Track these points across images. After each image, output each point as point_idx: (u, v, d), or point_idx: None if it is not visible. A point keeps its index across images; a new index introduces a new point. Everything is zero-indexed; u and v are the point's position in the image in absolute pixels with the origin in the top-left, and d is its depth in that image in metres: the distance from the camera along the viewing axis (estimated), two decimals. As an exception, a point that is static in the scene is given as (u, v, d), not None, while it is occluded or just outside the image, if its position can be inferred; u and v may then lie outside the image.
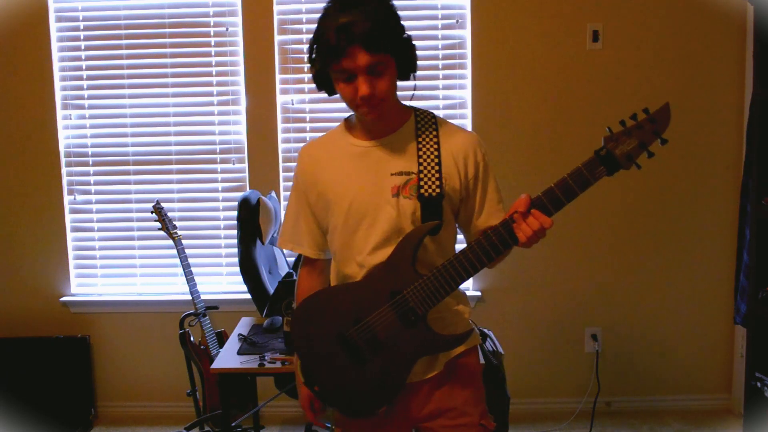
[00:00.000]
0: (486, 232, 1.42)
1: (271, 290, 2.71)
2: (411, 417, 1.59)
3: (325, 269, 1.68)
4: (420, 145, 1.52)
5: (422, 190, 1.48)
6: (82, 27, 3.27)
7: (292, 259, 3.12)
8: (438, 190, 1.49)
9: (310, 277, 1.68)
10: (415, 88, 1.61)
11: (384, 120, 1.52)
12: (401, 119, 1.55)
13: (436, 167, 1.50)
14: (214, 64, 3.26)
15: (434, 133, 1.54)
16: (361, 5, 1.39)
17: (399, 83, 1.52)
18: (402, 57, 1.46)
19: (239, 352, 2.34)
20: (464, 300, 1.64)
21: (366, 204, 1.51)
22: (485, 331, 2.51)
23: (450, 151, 1.52)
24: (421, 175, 1.49)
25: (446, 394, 1.58)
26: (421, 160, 1.50)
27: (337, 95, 1.51)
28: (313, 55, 1.48)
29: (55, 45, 3.26)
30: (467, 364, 1.62)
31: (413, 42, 1.49)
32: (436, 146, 1.52)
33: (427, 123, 1.56)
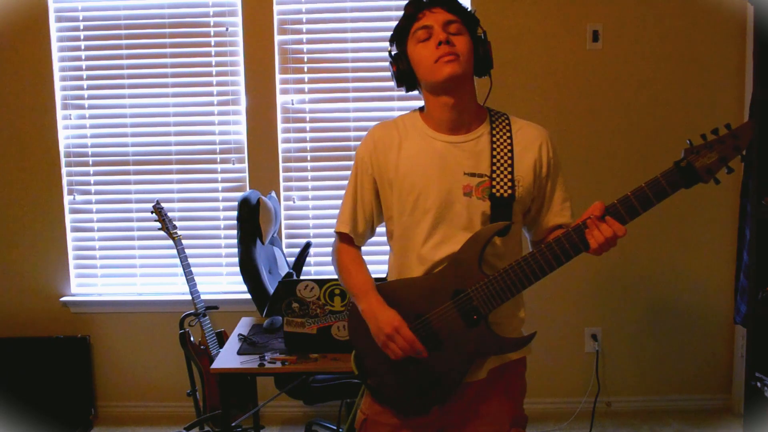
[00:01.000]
0: (558, 237, 1.42)
1: (271, 290, 2.71)
2: (444, 418, 1.57)
3: (360, 252, 1.68)
4: (495, 147, 1.52)
5: (494, 190, 1.49)
6: (82, 27, 3.27)
7: (292, 259, 3.12)
8: (510, 191, 1.48)
9: (358, 254, 1.66)
10: (491, 87, 1.64)
11: (459, 113, 1.53)
12: (478, 118, 1.57)
13: (509, 171, 1.50)
14: (214, 64, 3.26)
15: (508, 133, 1.54)
16: None
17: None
18: (476, 46, 1.54)
19: (239, 352, 2.34)
20: (524, 306, 1.63)
21: (434, 198, 1.50)
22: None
23: (523, 150, 1.53)
24: (494, 182, 1.49)
25: (484, 401, 1.57)
26: (494, 165, 1.50)
27: (408, 94, 1.57)
28: (394, 52, 1.58)
29: (55, 45, 3.26)
30: (512, 374, 1.60)
31: (489, 43, 1.58)
32: (509, 147, 1.52)
33: (501, 123, 1.56)
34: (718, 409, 3.32)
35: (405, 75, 1.56)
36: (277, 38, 3.21)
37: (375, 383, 1.56)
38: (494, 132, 1.54)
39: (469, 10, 1.57)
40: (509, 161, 1.51)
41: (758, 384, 2.59)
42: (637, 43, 3.16)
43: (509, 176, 1.49)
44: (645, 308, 3.30)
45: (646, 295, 3.30)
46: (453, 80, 1.48)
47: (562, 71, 3.18)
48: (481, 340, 1.47)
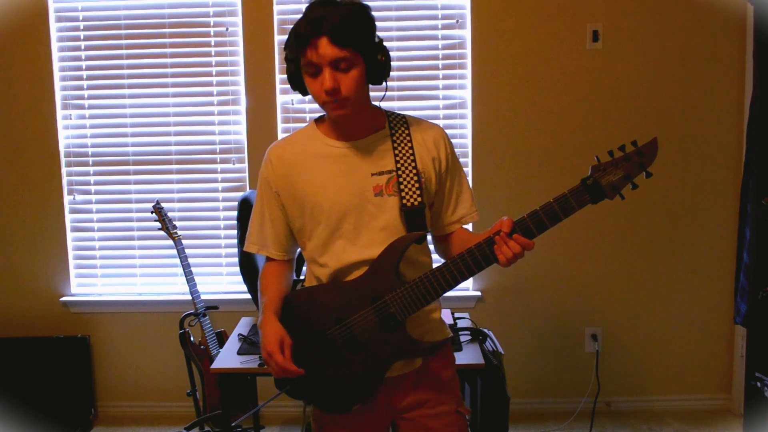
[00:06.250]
0: (470, 248, 1.45)
1: (271, 290, 2.71)
2: (390, 409, 1.63)
3: (289, 268, 1.70)
4: (395, 144, 1.56)
5: (404, 201, 1.52)
6: (82, 27, 3.27)
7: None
8: (419, 200, 1.52)
9: (277, 270, 1.66)
10: (386, 90, 1.59)
11: (357, 121, 1.54)
12: (375, 122, 1.58)
13: (413, 163, 1.54)
14: (214, 64, 3.26)
15: (406, 131, 1.58)
16: (336, 3, 1.44)
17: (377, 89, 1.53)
18: (371, 59, 1.47)
19: (239, 352, 2.34)
20: (438, 303, 1.67)
21: (347, 205, 1.53)
22: (485, 331, 2.51)
23: (422, 145, 1.57)
24: (399, 172, 1.53)
25: (425, 386, 1.62)
26: (397, 158, 1.54)
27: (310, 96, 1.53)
28: (288, 54, 1.51)
29: (55, 45, 3.26)
30: (443, 356, 1.67)
31: (386, 47, 1.51)
32: (409, 143, 1.56)
33: (397, 122, 1.60)
34: (718, 409, 3.32)
35: (298, 83, 1.52)
36: (277, 38, 3.21)
37: (297, 382, 1.58)
38: (392, 128, 1.58)
39: (360, 23, 1.44)
40: (411, 156, 1.54)
41: (758, 384, 2.59)
42: (637, 43, 3.16)
43: (414, 170, 1.53)
44: (645, 308, 3.30)
45: (646, 295, 3.30)
46: (342, 120, 1.51)
47: (562, 71, 3.18)
48: (399, 344, 1.51)
